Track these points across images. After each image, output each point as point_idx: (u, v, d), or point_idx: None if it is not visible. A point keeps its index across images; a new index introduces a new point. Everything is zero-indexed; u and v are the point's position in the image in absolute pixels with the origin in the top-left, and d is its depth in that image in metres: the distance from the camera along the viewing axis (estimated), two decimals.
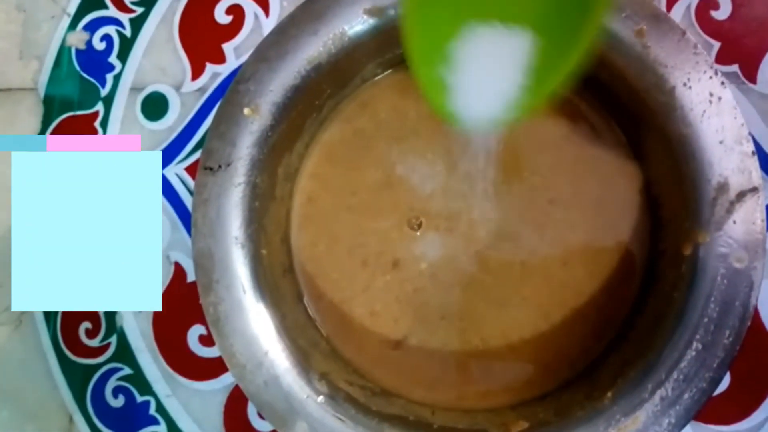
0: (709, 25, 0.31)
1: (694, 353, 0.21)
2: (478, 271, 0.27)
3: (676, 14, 0.31)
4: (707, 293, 0.21)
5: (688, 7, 0.31)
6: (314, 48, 0.24)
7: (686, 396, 0.21)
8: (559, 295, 0.26)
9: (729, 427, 0.28)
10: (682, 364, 0.21)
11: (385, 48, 0.26)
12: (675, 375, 0.21)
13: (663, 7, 0.31)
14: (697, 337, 0.21)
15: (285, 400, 0.23)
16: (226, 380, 0.31)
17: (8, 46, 0.36)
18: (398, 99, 0.28)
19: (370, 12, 0.24)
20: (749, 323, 0.21)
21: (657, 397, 0.21)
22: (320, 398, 0.23)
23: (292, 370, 0.23)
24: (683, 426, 0.21)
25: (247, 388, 0.23)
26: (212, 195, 0.24)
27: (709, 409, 0.29)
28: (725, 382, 0.29)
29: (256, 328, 0.23)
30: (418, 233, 0.27)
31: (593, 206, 0.27)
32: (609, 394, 0.22)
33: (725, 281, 0.21)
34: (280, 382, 0.23)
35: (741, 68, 0.30)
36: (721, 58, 0.30)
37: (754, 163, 0.21)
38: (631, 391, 0.22)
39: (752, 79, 0.30)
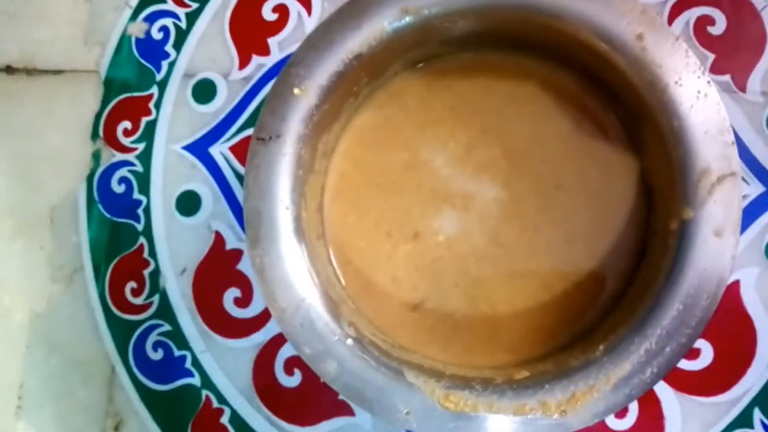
0: (705, 39, 0.34)
1: (675, 313, 0.24)
2: (490, 245, 0.30)
3: (677, 28, 0.35)
4: (689, 262, 0.24)
5: (687, 23, 0.35)
6: (357, 40, 0.28)
7: (668, 349, 0.24)
8: (562, 269, 0.30)
9: (711, 398, 0.31)
10: (665, 322, 0.24)
11: (418, 44, 0.29)
12: (659, 331, 0.24)
13: (665, 20, 0.35)
14: (679, 299, 0.24)
15: (319, 341, 0.26)
16: (257, 339, 0.35)
17: (75, 33, 0.40)
18: (425, 91, 0.32)
19: (407, 11, 0.28)
20: (724, 288, 0.24)
21: (642, 350, 0.24)
22: (349, 341, 0.26)
23: (325, 315, 0.26)
24: (664, 374, 0.24)
25: (286, 329, 0.26)
26: (263, 162, 0.27)
27: (692, 382, 0.32)
28: (708, 357, 0.32)
29: (295, 278, 0.27)
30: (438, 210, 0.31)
31: (595, 192, 0.30)
32: (601, 347, 0.25)
33: (705, 251, 0.24)
34: (315, 324, 0.26)
35: (733, 78, 0.34)
36: (715, 69, 0.34)
37: (733, 152, 0.25)
38: (620, 344, 0.25)
39: (743, 88, 0.34)
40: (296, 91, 0.27)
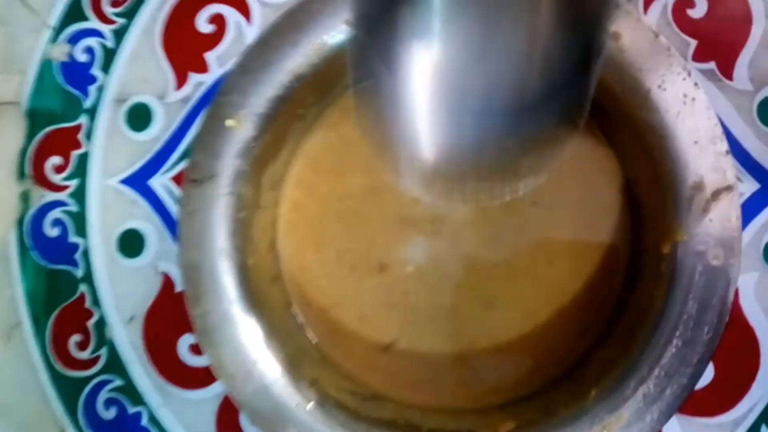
0: (685, 24, 0.31)
1: (674, 350, 0.22)
2: (465, 273, 0.28)
3: (653, 13, 0.31)
4: (686, 291, 0.22)
5: (665, 6, 0.31)
6: (296, 59, 0.24)
7: (668, 392, 0.22)
8: (545, 295, 0.27)
9: (713, 419, 0.29)
10: (663, 361, 0.22)
11: None
12: (656, 372, 0.22)
13: (640, 6, 0.32)
14: (677, 334, 0.22)
15: (275, 409, 0.23)
16: (218, 389, 0.32)
17: None
18: None
19: (350, 23, 0.24)
20: (727, 318, 0.21)
21: (640, 394, 0.22)
22: (310, 405, 0.23)
23: (281, 378, 0.23)
24: (665, 421, 0.21)
25: (237, 398, 0.23)
26: (197, 207, 0.24)
27: (693, 402, 0.29)
28: (709, 375, 0.29)
29: (245, 338, 0.24)
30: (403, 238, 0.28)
31: (575, 206, 0.27)
32: (593, 392, 0.22)
33: (703, 278, 0.22)
34: (270, 390, 0.23)
35: (718, 65, 0.31)
36: (698, 56, 0.31)
37: (728, 162, 0.22)
38: (614, 388, 0.22)
39: (729, 75, 0.31)
40: (229, 122, 0.24)
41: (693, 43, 0.31)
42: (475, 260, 0.28)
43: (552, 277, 0.27)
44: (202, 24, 0.34)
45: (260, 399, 0.23)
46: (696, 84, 0.22)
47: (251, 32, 0.34)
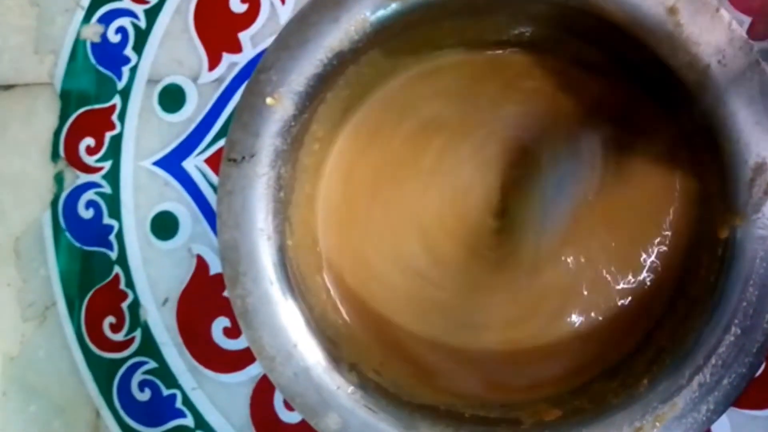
0: (739, 1, 0.30)
1: (732, 338, 0.21)
2: (511, 269, 0.27)
3: None
4: (745, 277, 0.21)
5: None
6: (336, 35, 0.24)
7: (725, 382, 0.21)
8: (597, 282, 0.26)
9: (764, 412, 0.28)
10: (721, 350, 0.21)
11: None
12: (713, 360, 0.21)
13: None
14: (736, 321, 0.21)
15: (316, 392, 0.22)
16: (252, 372, 0.31)
17: (23, 41, 0.36)
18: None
19: None
20: None
21: (695, 383, 0.21)
22: (351, 389, 0.23)
23: (321, 361, 0.23)
24: (722, 412, 0.21)
25: (277, 381, 0.23)
26: (236, 187, 0.23)
27: (744, 394, 0.28)
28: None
29: (285, 319, 0.23)
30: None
31: (632, 190, 0.26)
32: (645, 381, 0.21)
33: (764, 264, 0.21)
34: (311, 373, 0.23)
35: None
36: (754, 34, 0.29)
37: None
38: (667, 377, 0.21)
39: None
40: (269, 100, 0.23)
41: (747, 20, 0.30)
42: (525, 255, 0.27)
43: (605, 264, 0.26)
44: (236, 3, 0.34)
45: (300, 382, 0.22)
46: (758, 61, 0.21)
47: (285, 11, 0.33)
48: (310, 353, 0.23)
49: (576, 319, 0.25)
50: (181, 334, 0.32)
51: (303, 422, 0.30)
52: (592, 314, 0.25)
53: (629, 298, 0.25)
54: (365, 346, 0.26)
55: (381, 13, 0.24)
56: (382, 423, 0.22)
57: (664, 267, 0.24)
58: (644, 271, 0.25)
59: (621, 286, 0.25)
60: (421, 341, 0.26)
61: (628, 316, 0.25)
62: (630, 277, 0.25)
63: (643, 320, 0.24)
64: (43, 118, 0.35)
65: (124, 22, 0.35)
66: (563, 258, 0.26)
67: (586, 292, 0.25)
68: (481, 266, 0.27)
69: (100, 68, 0.35)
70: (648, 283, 0.25)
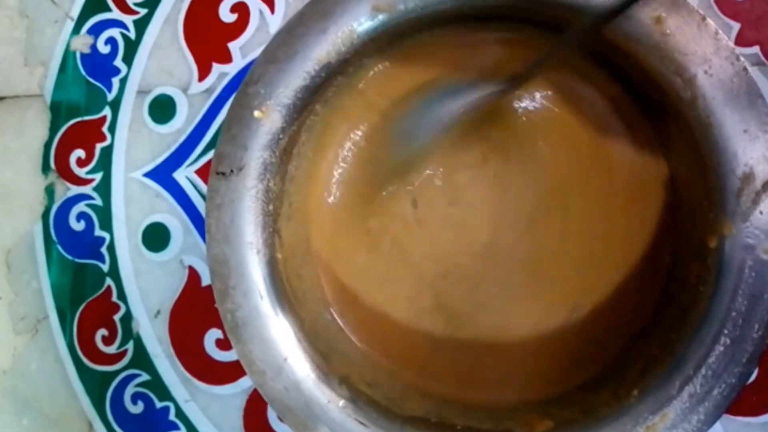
0: (728, 7, 0.30)
1: (722, 348, 0.21)
2: (506, 267, 0.27)
3: None
4: (734, 286, 0.21)
5: None
6: (323, 47, 0.24)
7: (715, 392, 0.21)
8: (586, 289, 0.26)
9: (758, 419, 0.28)
10: (710, 360, 0.21)
11: (394, 43, 0.25)
12: (703, 371, 0.21)
13: None
14: (725, 331, 0.21)
15: (306, 406, 0.22)
16: (245, 384, 0.31)
17: (13, 53, 0.36)
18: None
19: (378, 8, 0.23)
20: None
21: (685, 394, 0.21)
22: (341, 402, 0.23)
23: (312, 375, 0.23)
24: (713, 422, 0.20)
25: (268, 395, 0.23)
26: (225, 200, 0.23)
27: (736, 402, 0.28)
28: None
29: (275, 333, 0.23)
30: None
31: (619, 199, 0.26)
32: (635, 391, 0.21)
33: (753, 273, 0.21)
34: (301, 387, 0.23)
35: (762, 49, 0.29)
36: (741, 40, 0.29)
37: None
38: (658, 387, 0.21)
39: None
40: (256, 113, 0.23)
41: (736, 26, 0.30)
42: (517, 255, 0.27)
43: (593, 272, 0.26)
44: (225, 13, 0.34)
45: (291, 395, 0.22)
46: (745, 69, 0.21)
47: (275, 21, 0.33)
48: (301, 367, 0.23)
49: (564, 317, 0.25)
50: (173, 346, 0.32)
51: None
52: (579, 316, 0.25)
53: (617, 302, 0.25)
54: (359, 356, 0.26)
55: (368, 24, 0.24)
56: None
57: (653, 275, 0.24)
58: (632, 274, 0.25)
59: (609, 290, 0.25)
60: (417, 341, 0.26)
61: (620, 317, 0.25)
62: (617, 282, 0.25)
63: (633, 323, 0.24)
64: (33, 129, 0.35)
65: (114, 32, 0.35)
66: (554, 262, 0.26)
67: (573, 298, 0.25)
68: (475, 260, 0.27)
69: (90, 79, 0.35)
70: (636, 287, 0.25)
